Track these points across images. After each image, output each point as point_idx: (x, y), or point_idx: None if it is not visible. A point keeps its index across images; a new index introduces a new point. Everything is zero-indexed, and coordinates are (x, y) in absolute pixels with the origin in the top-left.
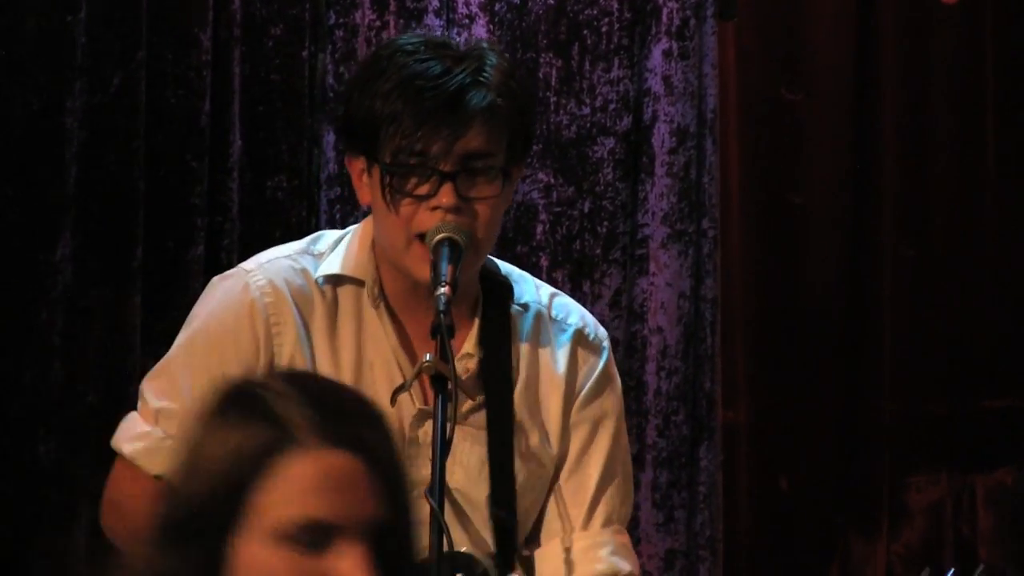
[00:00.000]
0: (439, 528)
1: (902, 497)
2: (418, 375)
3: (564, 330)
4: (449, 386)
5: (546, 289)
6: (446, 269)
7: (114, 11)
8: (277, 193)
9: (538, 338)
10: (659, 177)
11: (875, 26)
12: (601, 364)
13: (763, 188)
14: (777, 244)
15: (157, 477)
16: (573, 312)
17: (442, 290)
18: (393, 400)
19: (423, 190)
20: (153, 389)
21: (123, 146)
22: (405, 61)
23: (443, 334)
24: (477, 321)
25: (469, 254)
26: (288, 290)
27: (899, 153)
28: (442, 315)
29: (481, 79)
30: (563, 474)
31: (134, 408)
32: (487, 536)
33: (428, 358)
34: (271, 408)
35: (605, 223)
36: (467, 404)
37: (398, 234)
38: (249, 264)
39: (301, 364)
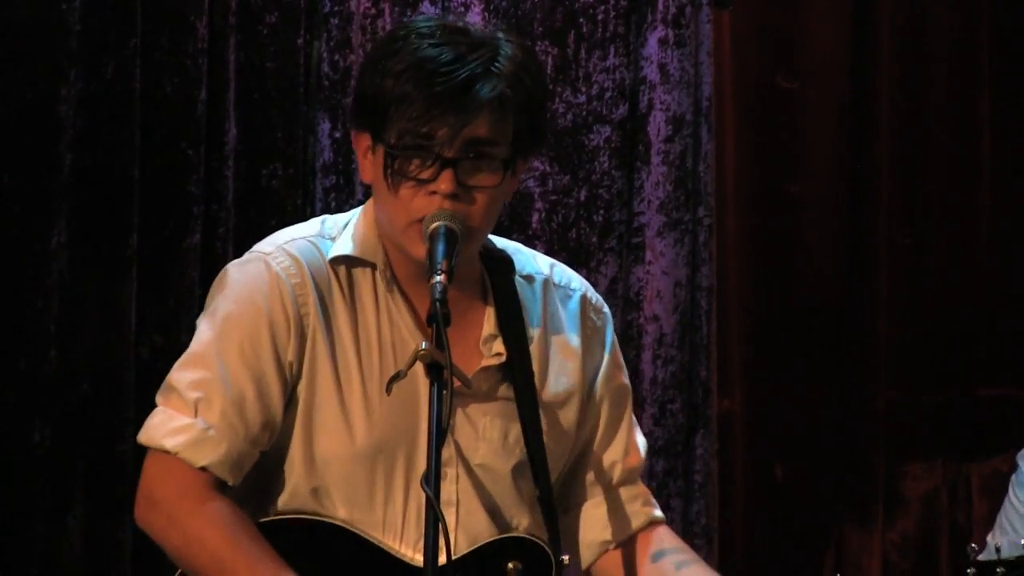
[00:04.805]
0: (435, 518)
1: (898, 485)
2: (413, 363)
3: (570, 295)
4: (445, 375)
5: (543, 258)
6: (441, 257)
7: None
8: (272, 181)
9: (548, 308)
10: (655, 165)
11: (871, 14)
12: (611, 334)
13: (759, 176)
14: (773, 232)
15: (203, 468)
16: (573, 278)
17: (438, 278)
18: (389, 388)
19: (424, 174)
20: (187, 380)
21: (118, 134)
22: (419, 43)
23: (438, 322)
24: (492, 300)
25: (463, 242)
26: (310, 270)
27: (895, 141)
28: (438, 303)
29: (493, 69)
30: (596, 442)
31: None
32: (511, 510)
33: (424, 346)
34: None
35: (601, 211)
36: (486, 384)
37: (397, 215)
38: (266, 247)
39: (323, 345)
